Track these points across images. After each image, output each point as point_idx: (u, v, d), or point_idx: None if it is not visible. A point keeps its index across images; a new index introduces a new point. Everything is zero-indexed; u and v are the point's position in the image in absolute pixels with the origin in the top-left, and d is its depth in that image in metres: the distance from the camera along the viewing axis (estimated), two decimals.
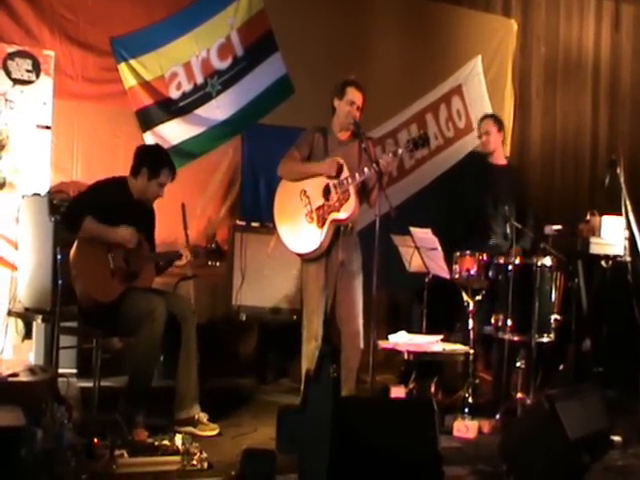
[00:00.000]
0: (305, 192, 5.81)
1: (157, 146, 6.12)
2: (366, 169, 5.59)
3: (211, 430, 5.37)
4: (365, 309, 5.79)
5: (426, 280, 6.45)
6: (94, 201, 5.38)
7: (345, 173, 5.67)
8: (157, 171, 5.51)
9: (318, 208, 5.75)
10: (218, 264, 5.76)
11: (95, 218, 5.28)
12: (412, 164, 8.25)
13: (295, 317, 6.61)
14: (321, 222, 5.72)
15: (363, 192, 5.83)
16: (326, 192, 5.73)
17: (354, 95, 5.85)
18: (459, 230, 6.67)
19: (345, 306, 5.80)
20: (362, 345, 5.75)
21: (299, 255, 5.92)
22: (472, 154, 6.91)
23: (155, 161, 5.55)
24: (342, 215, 5.69)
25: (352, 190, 5.66)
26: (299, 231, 5.80)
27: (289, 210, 5.87)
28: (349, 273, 5.80)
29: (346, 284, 5.79)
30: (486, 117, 6.95)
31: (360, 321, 5.77)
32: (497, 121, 6.78)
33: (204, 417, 5.42)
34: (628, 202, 6.48)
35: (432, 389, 6.09)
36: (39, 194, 6.34)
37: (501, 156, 6.82)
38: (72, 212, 5.38)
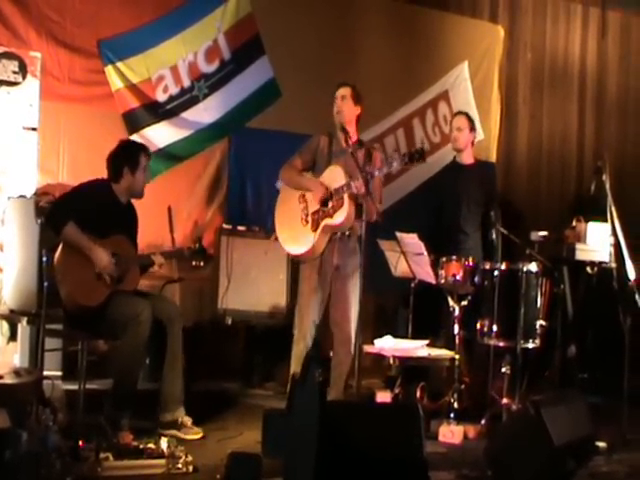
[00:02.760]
0: (304, 196, 5.91)
1: (121, 142, 5.95)
2: (359, 177, 5.57)
3: (195, 434, 5.36)
4: None
5: (412, 285, 6.46)
6: (78, 204, 5.37)
7: (342, 181, 5.68)
8: (136, 161, 5.55)
9: (314, 213, 5.83)
10: (202, 264, 5.75)
11: (80, 222, 5.27)
12: (398, 169, 8.24)
13: (282, 320, 6.61)
14: (315, 226, 5.79)
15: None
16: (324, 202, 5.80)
17: (338, 92, 5.99)
18: (436, 235, 6.70)
19: (339, 309, 5.83)
20: (352, 351, 5.75)
21: (293, 256, 6.10)
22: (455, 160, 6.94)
23: (130, 155, 5.58)
24: (335, 221, 5.72)
25: (346, 197, 5.67)
26: (295, 233, 5.90)
27: (288, 212, 5.98)
28: (344, 277, 5.84)
29: (341, 288, 5.84)
30: (460, 113, 7.01)
31: (353, 326, 5.74)
32: (470, 120, 6.83)
33: (188, 420, 5.40)
34: (614, 209, 6.49)
35: (418, 394, 6.09)
36: (25, 196, 6.34)
37: (469, 156, 6.85)
38: (55, 213, 5.38)
